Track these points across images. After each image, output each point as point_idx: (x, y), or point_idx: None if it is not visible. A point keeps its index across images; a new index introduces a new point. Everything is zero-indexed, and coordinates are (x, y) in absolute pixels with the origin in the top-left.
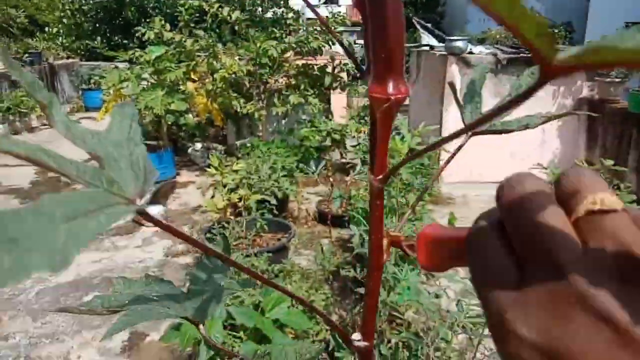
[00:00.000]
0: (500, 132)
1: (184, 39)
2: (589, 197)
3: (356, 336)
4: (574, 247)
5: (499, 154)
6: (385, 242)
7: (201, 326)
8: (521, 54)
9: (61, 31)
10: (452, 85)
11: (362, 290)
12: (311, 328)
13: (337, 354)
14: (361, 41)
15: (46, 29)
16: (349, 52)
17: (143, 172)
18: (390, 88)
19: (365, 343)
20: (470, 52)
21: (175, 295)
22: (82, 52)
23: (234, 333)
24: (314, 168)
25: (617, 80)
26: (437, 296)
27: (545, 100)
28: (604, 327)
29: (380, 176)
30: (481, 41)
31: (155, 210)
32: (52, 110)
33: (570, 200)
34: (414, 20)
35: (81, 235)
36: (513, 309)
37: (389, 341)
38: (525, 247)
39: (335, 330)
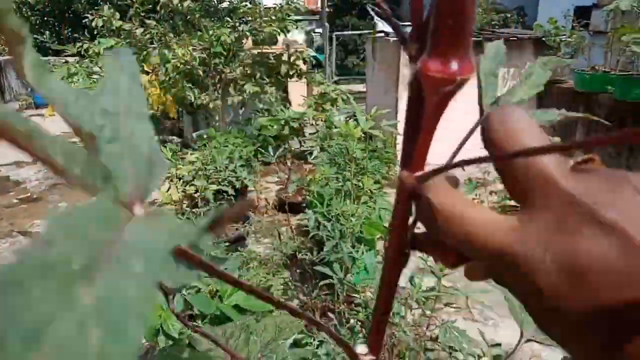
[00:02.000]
0: None
1: (134, 28)
2: None
3: (362, 349)
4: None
5: (450, 136)
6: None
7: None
8: (472, 38)
9: None
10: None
11: (320, 268)
12: (271, 311)
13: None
14: (320, 30)
15: None
16: None
17: (147, 162)
18: (456, 65)
19: (373, 357)
20: None
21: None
22: None
23: (193, 322)
24: (271, 153)
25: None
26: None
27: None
28: (615, 239)
29: (419, 173)
30: None
31: None
32: (25, 46)
33: None
34: (368, 7)
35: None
36: (521, 247)
37: (348, 321)
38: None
39: (336, 340)
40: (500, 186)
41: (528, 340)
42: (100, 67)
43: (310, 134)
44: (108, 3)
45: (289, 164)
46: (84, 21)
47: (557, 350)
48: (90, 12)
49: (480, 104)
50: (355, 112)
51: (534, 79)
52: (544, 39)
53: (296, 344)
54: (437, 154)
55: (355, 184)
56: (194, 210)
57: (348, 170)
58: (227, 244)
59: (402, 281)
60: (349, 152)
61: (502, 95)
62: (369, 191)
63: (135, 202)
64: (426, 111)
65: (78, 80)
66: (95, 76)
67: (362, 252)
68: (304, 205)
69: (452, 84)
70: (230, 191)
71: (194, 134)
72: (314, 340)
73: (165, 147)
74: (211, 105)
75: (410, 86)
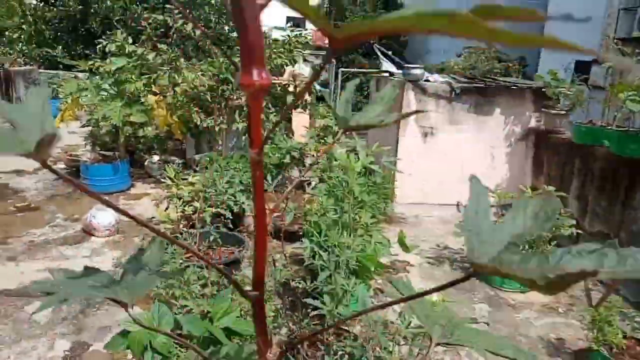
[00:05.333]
0: (363, 127)
1: (146, 52)
2: None
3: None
4: None
5: (450, 177)
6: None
7: (130, 309)
8: (474, 84)
9: (21, 37)
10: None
11: (310, 300)
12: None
13: None
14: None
15: (6, 33)
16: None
17: (49, 133)
18: (255, 76)
19: (256, 292)
20: (427, 80)
21: (110, 282)
22: (42, 60)
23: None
24: (269, 181)
25: (562, 112)
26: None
27: (495, 128)
28: None
29: (257, 149)
30: (440, 71)
31: (106, 220)
32: None
33: None
34: (375, 47)
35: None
36: None
37: (335, 353)
38: None
39: (231, 281)
40: None
41: None
42: (109, 85)
43: (310, 164)
44: (122, 24)
45: (286, 192)
46: (96, 40)
47: None
48: (104, 33)
49: (336, 124)
50: (357, 147)
51: (386, 98)
52: (543, 89)
53: None
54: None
55: (353, 217)
56: (190, 230)
57: (346, 202)
58: (221, 266)
59: (392, 317)
60: (349, 184)
61: (355, 115)
62: (365, 225)
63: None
64: (250, 109)
65: (87, 95)
66: (103, 92)
67: (355, 284)
68: (300, 234)
69: (255, 87)
70: (228, 215)
71: (196, 156)
72: None
73: (169, 166)
74: (216, 129)
75: (246, 97)
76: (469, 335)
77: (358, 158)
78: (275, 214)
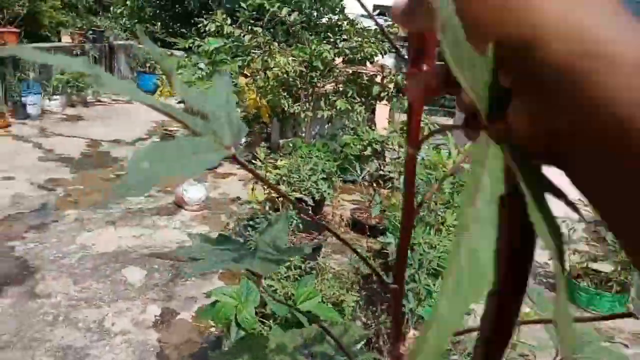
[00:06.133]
0: None
1: (242, 34)
2: None
3: (389, 280)
4: None
5: None
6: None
7: (262, 280)
8: None
9: (124, 12)
10: None
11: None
12: (337, 322)
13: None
14: None
15: (111, 8)
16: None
17: (237, 129)
18: (424, 68)
19: (396, 285)
20: None
21: (244, 252)
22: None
23: (264, 320)
24: (359, 172)
25: None
26: (467, 313)
27: None
28: None
29: (414, 144)
30: None
31: (196, 195)
32: (172, 77)
33: None
34: None
35: (201, 164)
36: None
37: None
38: None
39: (374, 273)
40: (584, 247)
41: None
42: (205, 64)
43: (391, 158)
44: (217, 6)
45: (374, 185)
46: (193, 20)
47: None
48: (203, 13)
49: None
50: (446, 143)
51: None
52: None
53: None
54: None
55: (440, 216)
56: (275, 212)
57: (435, 201)
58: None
59: (472, 323)
60: (437, 181)
61: None
62: (449, 226)
63: (231, 147)
64: (411, 104)
65: (183, 72)
66: (199, 71)
67: (438, 286)
68: (381, 228)
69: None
70: (310, 201)
71: (281, 141)
72: None
73: (260, 148)
74: (302, 116)
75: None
76: (600, 355)
77: (449, 154)
78: (354, 206)
